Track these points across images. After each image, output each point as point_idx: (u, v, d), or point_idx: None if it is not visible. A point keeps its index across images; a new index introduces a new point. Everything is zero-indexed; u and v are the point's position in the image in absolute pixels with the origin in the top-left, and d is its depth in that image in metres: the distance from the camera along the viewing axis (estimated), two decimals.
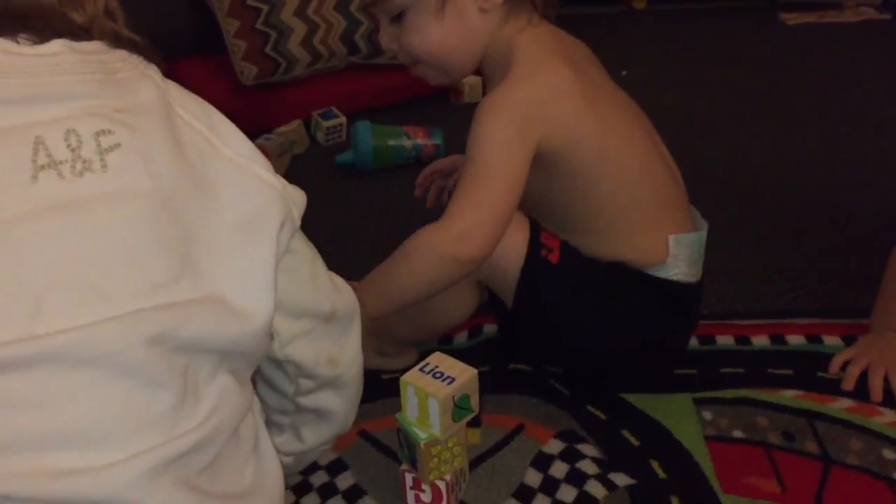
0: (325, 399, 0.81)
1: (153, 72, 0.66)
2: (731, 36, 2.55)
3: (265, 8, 1.81)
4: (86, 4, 0.64)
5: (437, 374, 0.87)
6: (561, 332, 1.02)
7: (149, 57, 0.67)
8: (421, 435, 0.87)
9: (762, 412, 1.03)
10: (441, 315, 1.06)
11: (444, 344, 1.16)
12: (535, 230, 1.00)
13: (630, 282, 1.00)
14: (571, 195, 0.98)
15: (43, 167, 0.57)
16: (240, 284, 0.64)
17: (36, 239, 0.56)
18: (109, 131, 0.59)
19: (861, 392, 1.05)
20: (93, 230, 0.58)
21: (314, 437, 0.84)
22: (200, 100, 0.68)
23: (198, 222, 0.62)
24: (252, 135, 0.75)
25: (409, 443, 0.89)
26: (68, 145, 0.58)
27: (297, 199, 0.70)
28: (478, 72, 2.18)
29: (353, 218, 1.56)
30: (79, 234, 0.57)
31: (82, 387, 0.57)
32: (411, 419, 0.88)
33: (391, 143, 1.71)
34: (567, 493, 0.91)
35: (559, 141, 0.95)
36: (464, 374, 0.87)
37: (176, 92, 0.66)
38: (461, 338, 1.18)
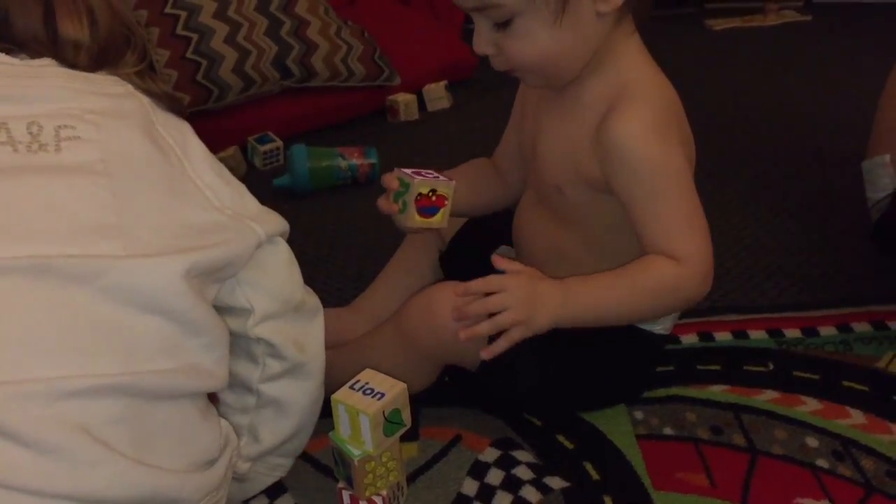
0: (287, 388, 0.86)
1: (142, 96, 0.75)
2: (660, 43, 2.58)
3: (195, 37, 1.81)
4: (121, 62, 0.76)
5: (367, 391, 0.88)
6: (531, 399, 1.04)
7: (167, 107, 0.78)
8: (354, 452, 0.88)
9: (691, 408, 1.06)
10: None
11: None
12: None
13: (600, 337, 0.99)
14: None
15: (1, 143, 0.66)
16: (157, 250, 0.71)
17: None
18: (71, 126, 0.68)
19: (785, 382, 1.09)
20: (28, 188, 0.66)
21: (272, 436, 0.88)
22: (182, 125, 0.78)
23: (150, 208, 0.70)
24: None
25: (343, 461, 0.90)
26: (30, 132, 0.67)
27: (262, 222, 0.80)
28: (412, 88, 2.20)
29: (293, 240, 1.56)
30: (14, 189, 0.65)
31: None
32: (344, 437, 0.89)
33: (327, 164, 1.72)
34: (502, 499, 0.93)
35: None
36: (393, 389, 0.88)
37: (162, 116, 0.76)
38: None
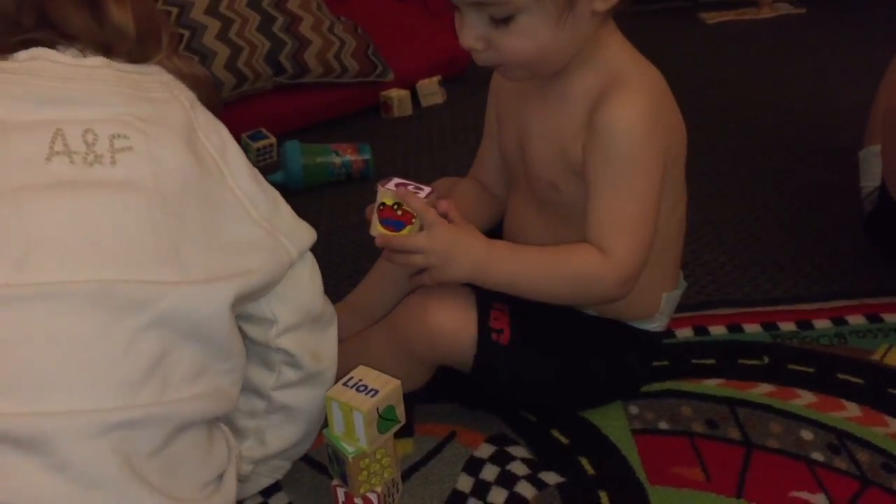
0: (300, 396, 0.87)
1: (185, 98, 0.75)
2: (654, 36, 2.56)
3: (186, 33, 1.80)
4: (161, 46, 0.75)
5: (361, 388, 0.88)
6: (524, 401, 1.05)
7: (208, 92, 0.78)
8: (348, 449, 0.87)
9: (686, 402, 1.06)
10: None
11: None
12: (484, 311, 0.97)
13: (591, 338, 1.00)
14: None
15: (58, 153, 0.66)
16: (211, 275, 0.71)
17: (38, 205, 0.64)
18: (125, 136, 0.68)
19: (780, 376, 1.09)
20: (90, 206, 0.66)
21: (278, 441, 0.89)
22: (220, 127, 0.77)
23: (194, 229, 0.70)
24: None
25: (338, 458, 0.89)
26: (85, 141, 0.67)
27: (294, 237, 0.80)
28: (406, 84, 2.19)
29: None
30: (76, 208, 0.66)
31: (48, 337, 0.63)
32: (338, 434, 0.88)
33: (321, 160, 1.72)
34: (497, 495, 0.93)
35: (669, 156, 0.92)
36: (387, 386, 0.88)
37: (203, 119, 0.75)
38: None
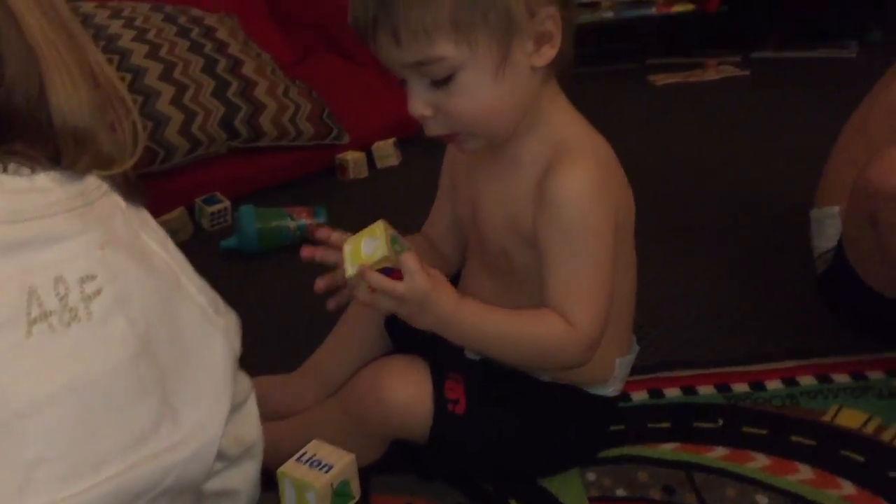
0: (231, 479, 0.81)
1: (117, 198, 0.68)
2: (604, 98, 2.64)
3: (140, 99, 1.80)
4: (120, 139, 0.66)
5: (315, 463, 0.86)
6: (481, 469, 1.04)
7: (135, 192, 0.70)
8: None
9: (643, 468, 1.06)
10: None
11: None
12: (438, 381, 0.98)
13: (547, 404, 1.01)
14: None
15: (35, 321, 0.59)
16: (202, 416, 0.68)
17: (30, 409, 0.58)
18: (92, 276, 0.62)
19: (735, 439, 1.10)
20: (82, 391, 0.60)
21: None
22: (156, 224, 0.71)
23: (170, 363, 0.66)
24: None
25: None
26: (57, 294, 0.60)
27: (234, 327, 0.75)
28: (361, 146, 2.20)
29: (241, 301, 1.50)
30: (70, 399, 0.60)
31: None
32: None
33: (275, 224, 1.71)
34: None
35: (618, 221, 0.94)
36: (342, 460, 0.86)
37: (133, 214, 0.69)
38: None
